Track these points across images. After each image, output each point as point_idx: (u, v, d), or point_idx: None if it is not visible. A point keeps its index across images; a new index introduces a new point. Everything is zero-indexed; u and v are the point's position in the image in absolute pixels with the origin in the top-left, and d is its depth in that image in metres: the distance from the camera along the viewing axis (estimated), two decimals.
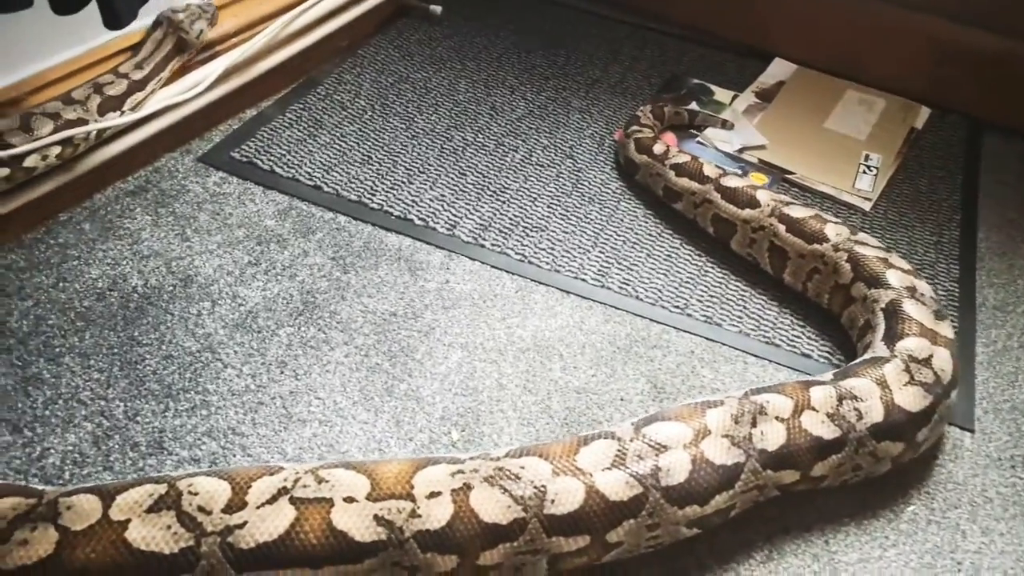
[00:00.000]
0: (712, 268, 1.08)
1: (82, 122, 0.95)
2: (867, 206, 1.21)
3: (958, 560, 0.78)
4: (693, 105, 1.38)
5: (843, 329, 0.99)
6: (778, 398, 0.77)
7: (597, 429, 0.75)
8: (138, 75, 1.03)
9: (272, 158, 1.16)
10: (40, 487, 0.65)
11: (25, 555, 0.58)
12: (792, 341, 0.99)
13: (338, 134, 1.22)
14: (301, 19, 1.27)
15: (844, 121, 1.38)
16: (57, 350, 0.85)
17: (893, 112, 1.41)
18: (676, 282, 1.06)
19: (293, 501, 0.62)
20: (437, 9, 1.53)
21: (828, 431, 0.75)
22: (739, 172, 1.25)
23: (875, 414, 0.77)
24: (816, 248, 0.98)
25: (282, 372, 0.88)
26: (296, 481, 0.64)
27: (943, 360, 0.82)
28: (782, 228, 1.01)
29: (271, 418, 0.83)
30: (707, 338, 0.98)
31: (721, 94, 1.42)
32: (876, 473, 0.80)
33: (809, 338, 1.00)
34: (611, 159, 1.26)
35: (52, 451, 0.76)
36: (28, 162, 0.89)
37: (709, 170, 1.11)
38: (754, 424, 0.74)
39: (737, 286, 1.06)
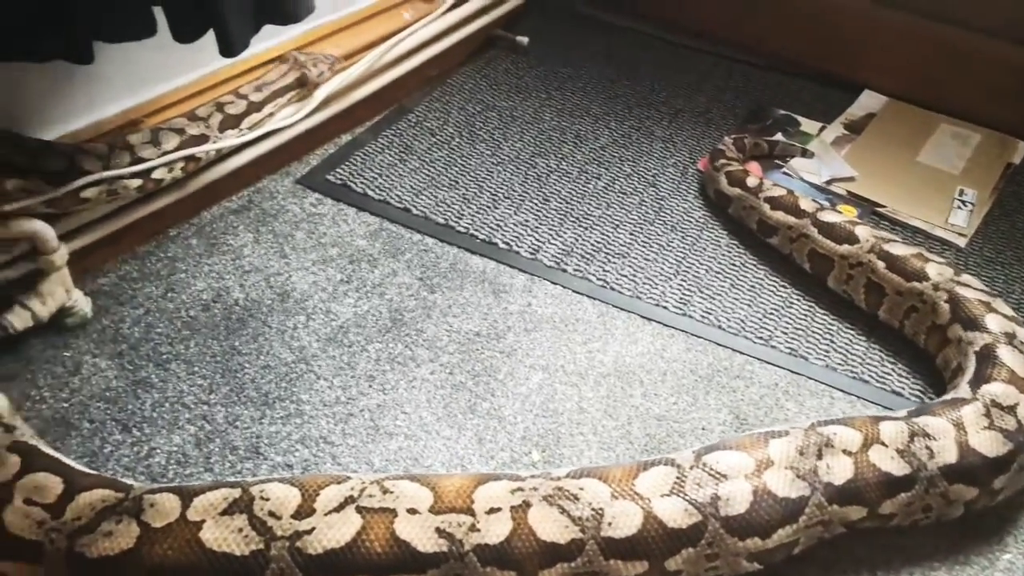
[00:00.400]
0: (798, 300, 1.07)
1: (204, 138, 1.01)
2: (962, 242, 1.18)
3: None
4: (778, 136, 1.38)
5: (938, 370, 0.96)
6: (846, 431, 0.75)
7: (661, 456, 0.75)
8: (257, 97, 1.09)
9: (365, 181, 1.21)
10: (128, 482, 0.69)
11: (108, 546, 0.62)
12: (882, 377, 0.97)
13: (427, 159, 1.27)
14: (395, 50, 1.33)
15: (937, 155, 1.35)
16: (165, 356, 0.90)
17: (989, 147, 1.37)
18: (760, 313, 1.05)
19: (359, 510, 0.64)
20: (524, 40, 1.57)
21: (897, 467, 0.73)
22: (827, 204, 1.23)
23: (948, 454, 0.74)
24: (915, 286, 0.96)
25: (371, 386, 0.91)
26: (362, 491, 0.66)
27: None
28: (881, 265, 0.99)
29: (360, 429, 0.86)
30: (792, 371, 0.97)
31: (808, 125, 1.41)
32: (949, 516, 0.77)
33: (900, 375, 0.97)
34: (694, 188, 1.26)
35: (158, 451, 0.81)
36: (156, 174, 0.95)
37: (806, 204, 1.10)
38: (820, 456, 0.73)
39: (824, 319, 1.05)
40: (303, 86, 1.16)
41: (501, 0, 1.56)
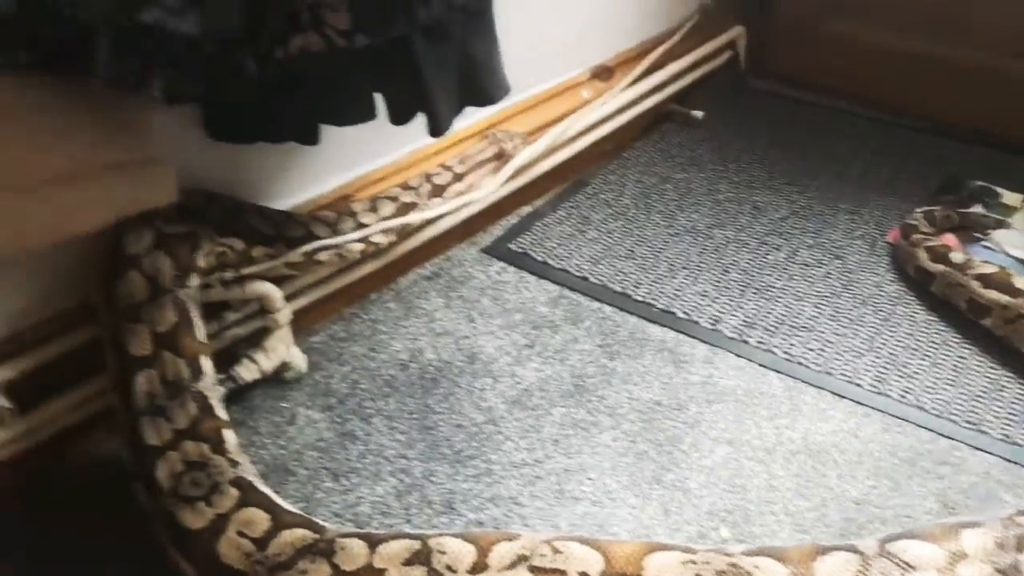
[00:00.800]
0: (1010, 383, 0.99)
1: (414, 206, 1.11)
2: None
3: None
4: (977, 208, 1.31)
5: None
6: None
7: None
8: (460, 168, 1.19)
9: (545, 250, 1.25)
10: (323, 524, 0.73)
11: None
12: None
13: (604, 230, 1.30)
14: (574, 127, 1.39)
15: None
16: (368, 411, 0.97)
17: None
18: (967, 395, 0.98)
19: (532, 569, 0.65)
20: (699, 114, 1.59)
21: None
22: None
23: None
24: None
25: (556, 449, 0.93)
26: (534, 550, 0.67)
27: None
28: None
29: (546, 492, 0.88)
30: (1007, 459, 0.90)
31: (1009, 197, 1.33)
32: None
33: None
34: (885, 262, 1.21)
35: (363, 500, 0.86)
36: (375, 238, 1.05)
37: (1022, 283, 1.03)
38: (1020, 550, 0.66)
39: None
40: (500, 159, 1.24)
41: (676, 77, 1.60)
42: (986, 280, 1.05)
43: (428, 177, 1.14)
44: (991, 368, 1.02)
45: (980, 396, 0.98)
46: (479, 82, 1.02)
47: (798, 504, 0.86)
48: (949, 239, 1.24)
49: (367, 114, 0.95)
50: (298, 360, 1.00)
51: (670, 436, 0.95)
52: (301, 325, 1.07)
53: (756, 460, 0.91)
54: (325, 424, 0.95)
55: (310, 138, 0.95)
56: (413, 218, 1.09)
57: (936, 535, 0.68)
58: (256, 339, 0.97)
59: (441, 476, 0.89)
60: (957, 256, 1.10)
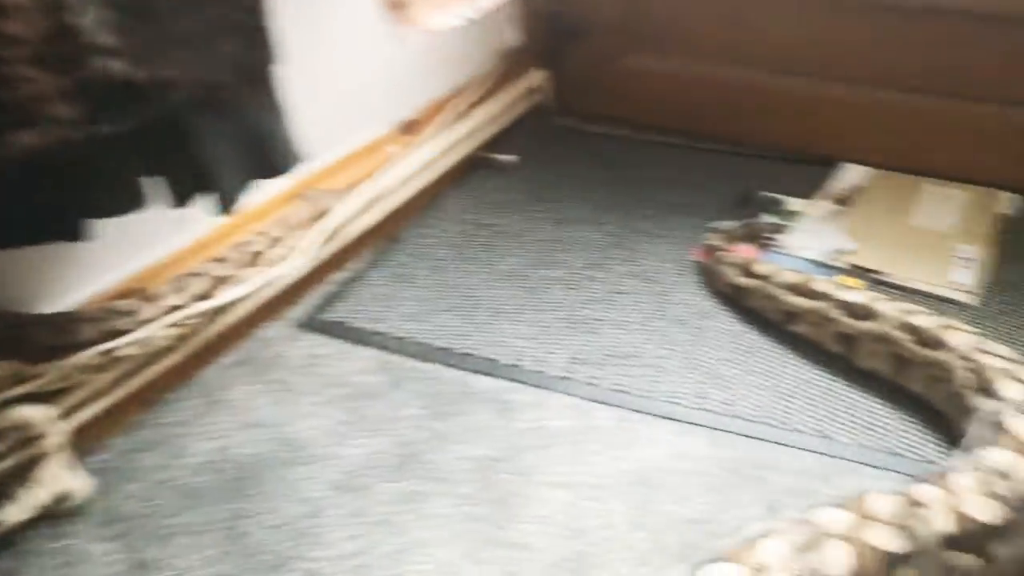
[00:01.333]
0: (816, 378, 1.04)
1: (230, 278, 1.06)
2: (969, 299, 1.15)
3: None
4: (766, 217, 1.38)
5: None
6: (834, 513, 0.70)
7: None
8: (277, 232, 1.14)
9: (362, 316, 1.20)
10: None
11: None
12: (911, 446, 0.92)
13: (422, 286, 1.27)
14: (382, 183, 1.35)
15: (929, 217, 1.34)
16: (168, 531, 0.87)
17: (976, 202, 1.37)
18: (779, 396, 1.01)
19: None
20: (510, 158, 1.60)
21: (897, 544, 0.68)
22: (830, 279, 1.21)
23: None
24: (939, 356, 0.93)
25: (387, 531, 0.86)
26: None
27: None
28: (904, 337, 0.96)
29: None
30: (820, 452, 0.93)
31: (795, 203, 1.42)
32: None
33: (927, 440, 0.93)
34: (693, 280, 1.25)
35: None
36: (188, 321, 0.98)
37: (823, 286, 1.07)
38: (814, 549, 0.67)
39: (846, 394, 1.01)
40: (322, 215, 1.20)
41: (484, 124, 1.61)
42: (794, 288, 1.09)
43: (240, 247, 1.08)
44: (796, 367, 1.06)
45: (791, 396, 1.01)
46: (266, 153, 0.96)
47: (636, 536, 0.84)
48: (746, 250, 1.30)
49: (133, 203, 0.86)
50: (80, 486, 0.88)
51: (505, 492, 0.91)
52: (87, 444, 0.96)
53: (593, 499, 0.89)
54: (118, 556, 0.84)
55: (77, 234, 0.86)
56: (235, 291, 1.01)
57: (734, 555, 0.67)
58: (26, 469, 0.85)
59: None
60: (762, 268, 1.14)
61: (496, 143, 1.64)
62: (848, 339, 1.03)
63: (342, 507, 0.89)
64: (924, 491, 0.72)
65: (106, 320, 0.91)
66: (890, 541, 0.68)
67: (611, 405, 1.02)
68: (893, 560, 0.67)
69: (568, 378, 1.07)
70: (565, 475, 0.92)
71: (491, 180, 1.56)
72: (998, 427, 0.79)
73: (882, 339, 0.99)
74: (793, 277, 1.11)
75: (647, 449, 0.95)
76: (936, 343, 0.93)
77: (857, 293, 1.05)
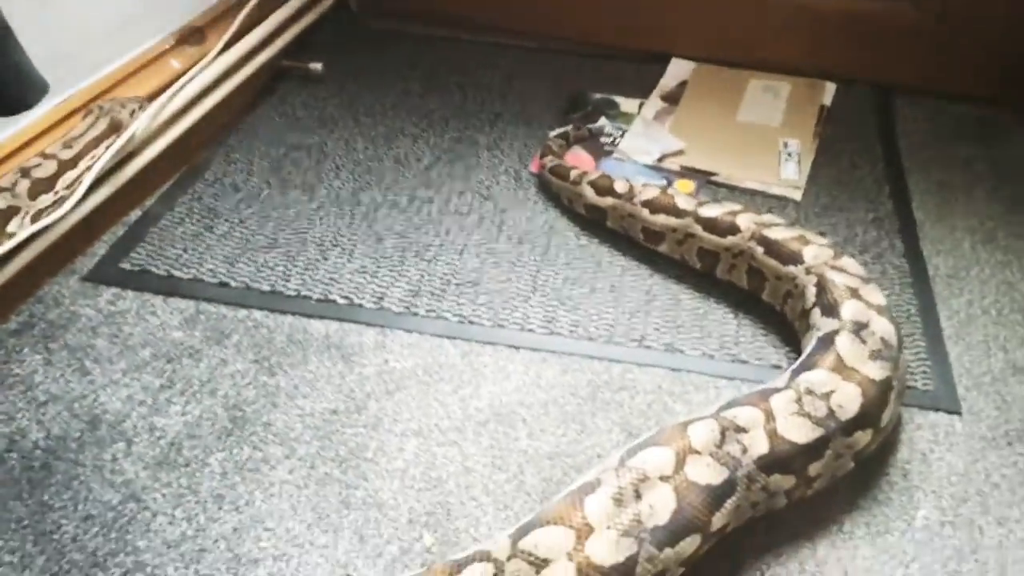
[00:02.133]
0: (661, 291, 1.03)
1: (16, 209, 0.91)
2: (797, 195, 1.18)
3: (982, 560, 0.74)
4: (601, 121, 1.34)
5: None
6: (656, 452, 0.68)
7: (472, 547, 0.66)
8: (67, 154, 0.99)
9: (167, 261, 1.05)
10: None
11: None
12: (759, 354, 0.94)
13: (236, 220, 1.13)
14: (173, 104, 1.17)
15: (755, 111, 1.35)
16: None
17: (800, 93, 1.40)
18: (627, 313, 1.00)
19: None
20: (318, 67, 1.44)
21: (716, 474, 0.68)
22: (664, 182, 1.20)
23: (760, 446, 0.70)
24: (791, 271, 0.92)
25: (220, 508, 0.77)
26: None
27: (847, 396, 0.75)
28: (760, 251, 0.95)
29: (217, 565, 0.73)
30: (672, 368, 0.93)
31: (627, 104, 1.38)
32: (774, 508, 0.74)
33: (775, 347, 0.95)
34: (532, 194, 1.20)
35: None
36: None
37: (683, 202, 1.03)
38: (639, 497, 0.65)
39: (691, 304, 1.01)
40: (117, 131, 1.04)
41: (281, 29, 1.43)
42: (652, 205, 1.04)
43: (26, 172, 0.93)
44: (643, 280, 1.04)
45: (637, 312, 1.00)
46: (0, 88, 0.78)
47: (496, 479, 0.81)
48: (583, 158, 1.26)
49: None
50: None
51: (353, 447, 0.84)
52: None
53: (448, 444, 0.84)
54: None
55: None
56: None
57: (560, 514, 0.64)
58: None
59: None
60: (620, 186, 1.09)
61: (301, 49, 1.47)
62: (710, 255, 1.01)
63: (167, 487, 0.79)
64: (743, 413, 0.72)
65: None
66: (712, 475, 0.67)
67: (457, 338, 0.96)
68: (717, 493, 0.67)
69: (409, 313, 0.99)
70: (415, 421, 0.87)
71: (300, 93, 1.41)
72: (827, 344, 0.81)
73: (739, 253, 0.98)
74: (652, 193, 1.05)
75: (499, 383, 0.91)
76: (790, 258, 0.93)
77: (716, 208, 1.01)
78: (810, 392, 0.74)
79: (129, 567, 0.72)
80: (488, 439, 0.85)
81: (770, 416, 0.72)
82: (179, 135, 1.19)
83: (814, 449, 0.72)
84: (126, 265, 1.04)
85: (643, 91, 1.41)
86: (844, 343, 0.79)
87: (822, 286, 0.88)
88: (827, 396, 0.74)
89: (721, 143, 1.28)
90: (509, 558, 0.62)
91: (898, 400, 0.80)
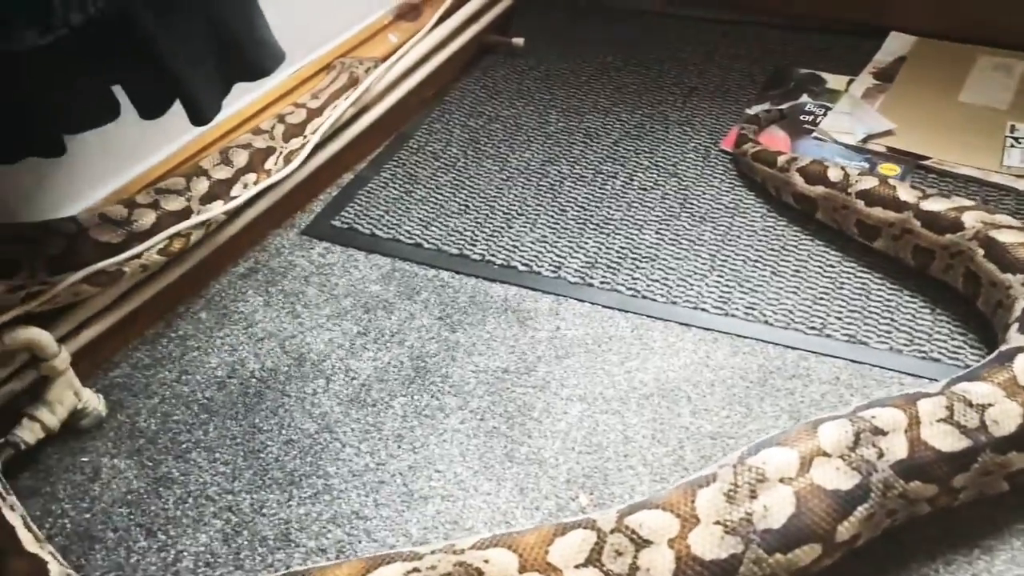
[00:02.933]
0: (848, 279, 0.98)
1: (271, 150, 1.06)
2: (1022, 185, 1.07)
3: None
4: (804, 98, 1.28)
5: None
6: (779, 452, 0.65)
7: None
8: (315, 104, 1.12)
9: (371, 221, 1.15)
10: None
11: None
12: (954, 353, 0.87)
13: (433, 187, 1.21)
14: (386, 77, 1.27)
15: (981, 91, 1.23)
16: (184, 446, 0.87)
17: None
18: (809, 299, 0.96)
19: None
20: (520, 41, 1.49)
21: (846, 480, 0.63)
22: (866, 165, 1.13)
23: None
24: (1007, 279, 0.84)
25: (399, 446, 0.85)
26: None
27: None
28: (980, 253, 0.87)
29: (393, 498, 0.81)
30: (853, 360, 0.88)
31: (834, 81, 1.31)
32: None
33: (973, 347, 0.88)
34: (719, 172, 1.17)
35: (185, 553, 0.76)
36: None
37: (905, 194, 0.95)
38: (754, 496, 0.63)
39: (880, 296, 0.95)
40: (355, 85, 1.18)
41: (489, 5, 1.49)
42: (869, 197, 0.97)
43: (281, 118, 1.08)
44: (829, 267, 1.00)
45: (821, 299, 0.96)
46: (241, 54, 0.89)
47: (655, 451, 0.82)
48: (780, 138, 1.21)
49: (108, 113, 0.81)
50: (93, 404, 0.88)
51: (521, 405, 0.89)
52: (98, 360, 0.95)
53: (610, 412, 0.87)
54: (134, 472, 0.84)
55: (53, 150, 0.81)
56: (186, 225, 0.95)
57: (672, 502, 0.64)
58: (37, 391, 0.85)
59: (273, 505, 0.80)
60: (834, 173, 1.02)
61: (507, 24, 1.53)
62: (923, 251, 0.94)
63: (356, 423, 0.88)
64: (884, 415, 0.68)
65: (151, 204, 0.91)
66: (841, 479, 0.63)
67: (628, 312, 0.98)
68: (845, 500, 0.63)
69: (585, 283, 1.02)
70: (582, 387, 0.90)
71: (502, 67, 1.46)
72: (1005, 360, 0.73)
73: (958, 253, 0.90)
74: (870, 182, 0.98)
75: (667, 359, 0.91)
76: (1012, 265, 0.84)
77: (942, 202, 0.93)
78: (965, 401, 0.68)
79: (319, 489, 0.82)
80: (651, 412, 0.86)
81: (914, 421, 0.67)
82: (391, 105, 1.29)
83: (959, 459, 0.67)
84: (337, 223, 1.16)
85: (854, 67, 1.32)
86: (1019, 362, 0.72)
87: None
88: (983, 408, 0.68)
89: (938, 124, 1.18)
90: (613, 531, 0.63)
91: None
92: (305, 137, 1.11)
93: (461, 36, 1.43)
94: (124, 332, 0.98)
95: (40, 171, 0.91)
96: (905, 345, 0.89)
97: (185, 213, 0.95)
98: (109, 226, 0.89)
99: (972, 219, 0.89)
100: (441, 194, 1.19)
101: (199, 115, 0.84)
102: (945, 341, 0.89)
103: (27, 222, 0.89)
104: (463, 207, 1.17)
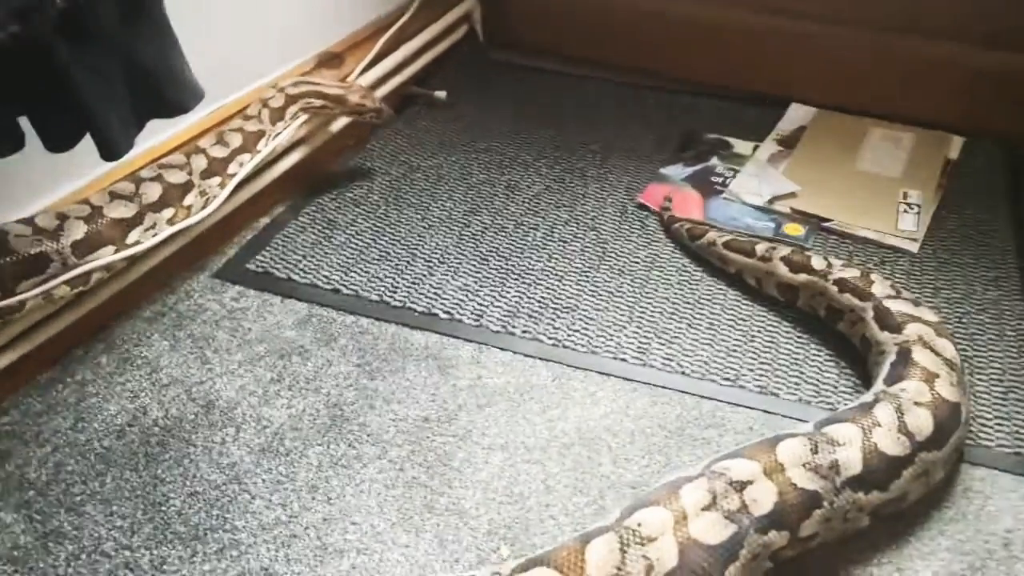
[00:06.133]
0: (759, 333, 1.01)
1: (261, 133, 1.11)
2: (914, 247, 1.14)
3: None
4: (713, 160, 1.34)
5: None
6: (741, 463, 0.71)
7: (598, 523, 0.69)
8: (294, 91, 1.17)
9: (288, 265, 1.13)
10: None
11: None
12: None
13: (353, 232, 1.19)
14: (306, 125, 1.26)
15: (875, 160, 1.32)
16: (78, 498, 0.80)
17: (924, 145, 1.35)
18: (723, 351, 0.99)
19: None
20: (442, 95, 1.52)
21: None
22: (772, 225, 1.19)
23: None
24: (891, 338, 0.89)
25: (313, 497, 0.82)
26: None
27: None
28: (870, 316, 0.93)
29: (306, 552, 0.77)
30: (764, 411, 0.91)
31: (741, 146, 1.38)
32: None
33: None
34: (636, 227, 1.21)
35: None
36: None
37: (879, 287, 0.95)
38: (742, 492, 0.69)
39: (788, 349, 0.99)
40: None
41: (413, 57, 1.51)
42: (843, 285, 0.97)
43: (265, 102, 1.13)
44: (741, 321, 1.03)
45: (734, 351, 0.99)
46: (158, 91, 0.87)
47: (576, 501, 0.82)
48: (691, 196, 1.26)
49: (10, 144, 0.77)
50: None
51: (441, 454, 0.87)
52: None
53: (532, 462, 0.86)
54: (21, 526, 0.77)
55: None
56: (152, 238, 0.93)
57: (660, 498, 0.68)
58: None
59: (175, 561, 0.75)
60: (817, 262, 1.01)
61: (428, 78, 1.55)
62: (788, 288, 1.02)
63: (268, 473, 0.84)
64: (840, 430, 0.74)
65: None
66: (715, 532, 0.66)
67: (550, 361, 0.98)
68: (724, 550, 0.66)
69: (506, 332, 1.02)
70: (503, 436, 0.89)
71: (424, 118, 1.48)
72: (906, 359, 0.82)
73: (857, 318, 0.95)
74: (848, 273, 0.98)
75: (587, 408, 0.92)
76: (894, 328, 0.89)
77: (848, 270, 0.98)
78: (830, 440, 0.74)
79: (226, 544, 0.77)
80: (572, 461, 0.86)
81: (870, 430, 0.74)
82: (310, 151, 1.27)
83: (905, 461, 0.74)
84: (252, 266, 1.12)
85: (759, 134, 1.40)
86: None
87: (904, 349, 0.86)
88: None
89: (837, 189, 1.25)
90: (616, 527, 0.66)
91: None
92: (287, 123, 1.15)
93: (383, 87, 1.44)
94: (14, 377, 0.91)
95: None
96: (813, 396, 0.93)
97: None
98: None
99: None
100: (361, 240, 1.18)
101: (111, 150, 0.81)
102: (849, 393, 0.93)
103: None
104: (384, 254, 1.15)
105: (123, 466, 0.84)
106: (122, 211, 0.93)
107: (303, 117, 1.19)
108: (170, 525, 0.79)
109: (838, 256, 1.09)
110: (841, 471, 0.71)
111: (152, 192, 0.97)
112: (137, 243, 0.95)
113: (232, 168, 1.07)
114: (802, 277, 1.01)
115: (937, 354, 0.84)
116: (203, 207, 1.03)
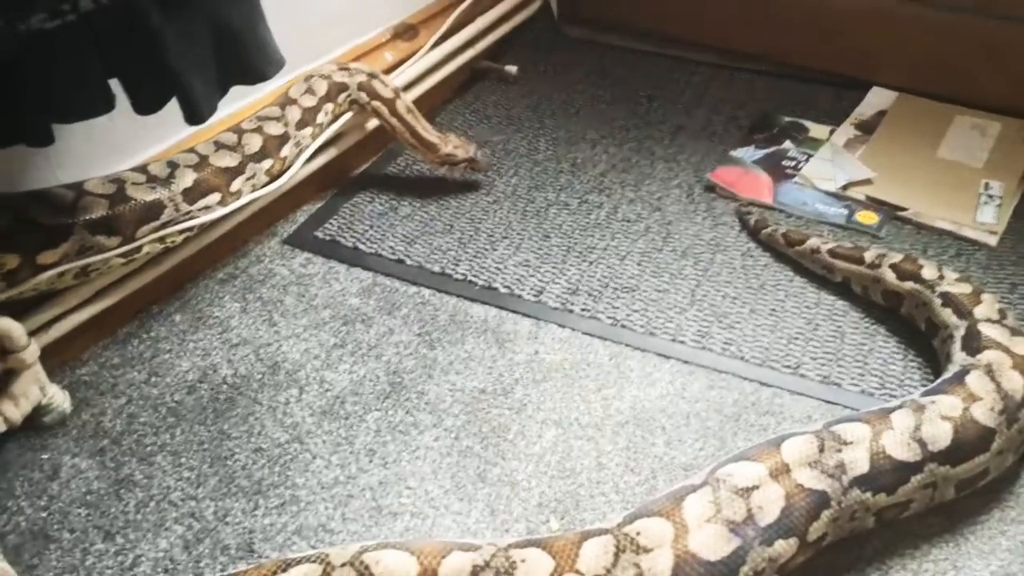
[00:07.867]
0: (824, 321, 0.99)
1: (344, 86, 1.14)
2: (993, 240, 1.10)
3: None
4: (786, 143, 1.31)
5: None
6: (744, 467, 0.70)
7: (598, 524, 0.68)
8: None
9: (355, 234, 1.15)
10: None
11: None
12: None
13: (419, 205, 1.21)
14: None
15: (957, 148, 1.27)
16: (149, 449, 0.85)
17: (1011, 135, 1.29)
18: (784, 338, 0.97)
19: None
20: (512, 69, 1.51)
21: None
22: (844, 211, 1.16)
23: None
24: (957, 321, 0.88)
25: (371, 460, 0.84)
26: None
27: None
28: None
29: (361, 512, 0.79)
30: (825, 400, 0.90)
31: (816, 130, 1.34)
32: None
33: None
34: (702, 209, 1.19)
35: (144, 558, 0.74)
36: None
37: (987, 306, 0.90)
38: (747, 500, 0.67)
39: (854, 340, 0.97)
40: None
41: (486, 31, 1.51)
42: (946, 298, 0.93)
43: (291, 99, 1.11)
44: (806, 309, 1.01)
45: (796, 338, 0.97)
46: (242, 56, 0.89)
47: (628, 480, 0.82)
48: (761, 179, 1.23)
49: (101, 105, 0.80)
50: (59, 400, 0.86)
51: (496, 426, 0.88)
52: (66, 356, 0.93)
53: (585, 439, 0.87)
54: (95, 472, 0.82)
55: (41, 139, 0.80)
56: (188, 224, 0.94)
57: (664, 508, 0.66)
58: (2, 383, 0.82)
59: (238, 514, 0.79)
60: (928, 272, 0.96)
61: (500, 52, 1.55)
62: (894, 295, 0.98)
63: (328, 435, 0.87)
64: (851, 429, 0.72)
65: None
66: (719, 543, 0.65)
67: (608, 340, 0.98)
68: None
69: (566, 309, 1.02)
70: (558, 412, 0.90)
71: (494, 92, 1.48)
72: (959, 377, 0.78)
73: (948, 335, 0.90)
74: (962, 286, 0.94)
75: (643, 388, 0.92)
76: (974, 350, 0.85)
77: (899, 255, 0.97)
78: (836, 440, 0.72)
79: (286, 499, 0.80)
80: (625, 440, 0.86)
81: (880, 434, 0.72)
82: (380, 123, 1.29)
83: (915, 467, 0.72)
84: (320, 234, 1.15)
85: (836, 118, 1.36)
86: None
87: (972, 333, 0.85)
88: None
89: (915, 177, 1.21)
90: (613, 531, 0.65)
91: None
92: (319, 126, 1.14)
93: (455, 60, 1.44)
94: (95, 330, 0.96)
95: (24, 159, 0.90)
96: (876, 388, 0.90)
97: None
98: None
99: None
100: (426, 212, 1.19)
101: (195, 114, 0.84)
102: (916, 385, 0.90)
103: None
104: (448, 226, 1.17)
105: (192, 420, 0.88)
106: (227, 160, 0.98)
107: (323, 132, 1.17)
108: (234, 479, 0.82)
109: (926, 254, 1.05)
110: (847, 470, 0.70)
111: (253, 143, 1.01)
112: (239, 193, 0.99)
113: (320, 117, 1.10)
114: (908, 285, 0.96)
115: (994, 381, 0.79)
116: (296, 157, 1.07)
